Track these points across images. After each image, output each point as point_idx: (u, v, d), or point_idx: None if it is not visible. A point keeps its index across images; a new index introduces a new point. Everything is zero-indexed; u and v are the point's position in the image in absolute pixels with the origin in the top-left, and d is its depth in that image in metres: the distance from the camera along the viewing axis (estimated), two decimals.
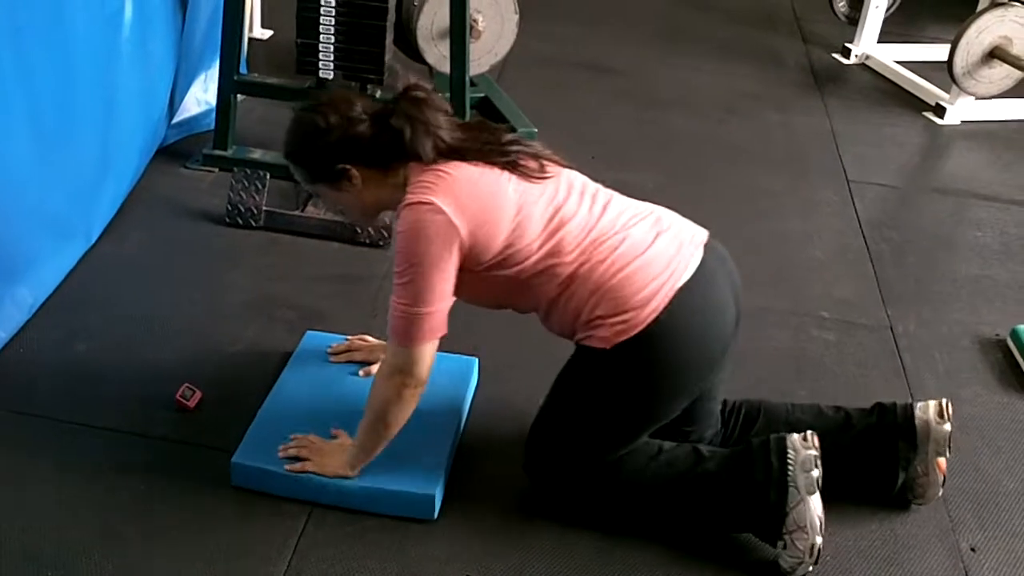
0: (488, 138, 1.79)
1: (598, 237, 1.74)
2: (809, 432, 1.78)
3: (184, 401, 2.06)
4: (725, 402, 2.00)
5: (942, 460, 1.92)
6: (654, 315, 1.70)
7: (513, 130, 3.22)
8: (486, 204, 1.71)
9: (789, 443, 1.77)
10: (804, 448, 1.76)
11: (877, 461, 1.92)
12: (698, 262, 1.76)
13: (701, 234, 1.83)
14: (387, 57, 2.94)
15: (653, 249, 1.74)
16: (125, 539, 1.77)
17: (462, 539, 1.84)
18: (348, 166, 1.77)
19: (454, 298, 1.75)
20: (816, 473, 1.74)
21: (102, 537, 1.78)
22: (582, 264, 1.73)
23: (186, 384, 2.09)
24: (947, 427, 1.88)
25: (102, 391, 2.12)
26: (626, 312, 1.70)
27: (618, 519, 1.87)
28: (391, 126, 1.75)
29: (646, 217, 1.80)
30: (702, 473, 1.81)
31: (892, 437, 1.91)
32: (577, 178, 1.84)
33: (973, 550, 1.89)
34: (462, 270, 1.74)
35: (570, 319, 1.77)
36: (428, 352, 1.74)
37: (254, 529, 1.81)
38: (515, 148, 1.78)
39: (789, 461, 1.75)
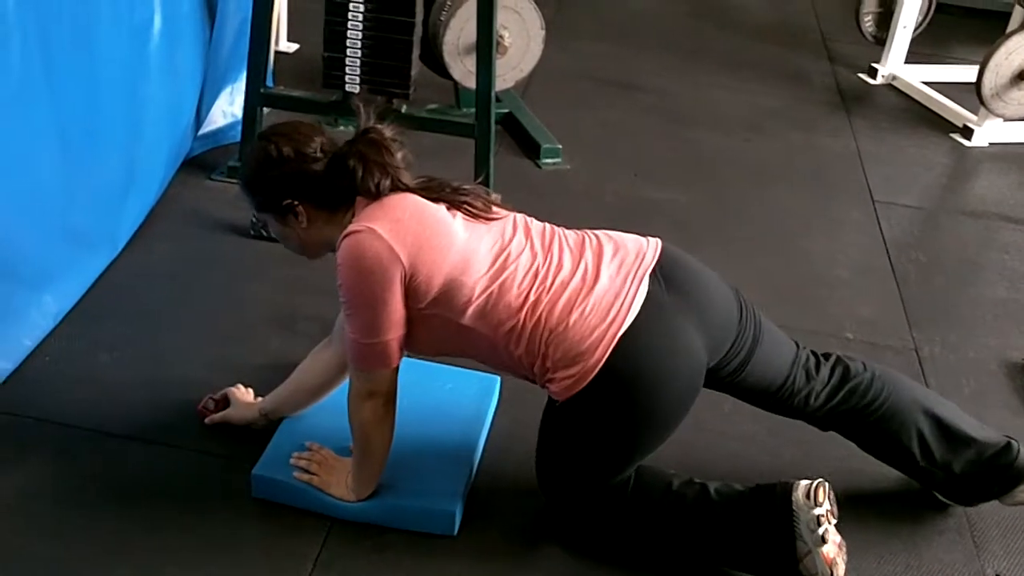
0: (441, 182, 1.77)
1: (544, 276, 1.70)
2: (817, 485, 1.72)
3: (207, 411, 2.06)
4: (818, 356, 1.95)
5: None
6: (600, 364, 1.66)
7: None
8: (429, 232, 1.68)
9: (794, 503, 1.72)
10: (808, 507, 1.71)
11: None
12: (643, 295, 1.70)
13: (648, 255, 1.76)
14: (414, 72, 2.95)
15: (597, 289, 1.69)
16: (145, 549, 1.78)
17: (481, 557, 1.83)
18: (295, 202, 1.75)
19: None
20: (824, 528, 1.70)
21: (122, 546, 1.78)
22: (528, 308, 1.68)
23: (209, 395, 2.09)
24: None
25: (125, 400, 2.12)
26: (574, 364, 1.67)
27: (631, 547, 1.85)
28: (345, 167, 1.71)
29: (587, 248, 1.75)
30: (709, 517, 1.78)
31: (995, 477, 1.91)
32: (523, 220, 1.80)
33: (998, 575, 1.87)
34: (405, 307, 1.69)
35: (526, 368, 1.74)
36: (390, 373, 1.73)
37: (274, 542, 1.81)
38: (466, 189, 1.76)
39: (794, 520, 1.71)
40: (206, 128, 3.20)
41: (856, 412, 1.92)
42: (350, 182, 1.70)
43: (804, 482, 1.73)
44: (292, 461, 1.89)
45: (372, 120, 1.76)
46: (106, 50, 2.42)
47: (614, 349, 1.66)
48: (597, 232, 1.81)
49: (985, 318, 2.75)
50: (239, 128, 3.09)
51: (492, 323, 1.70)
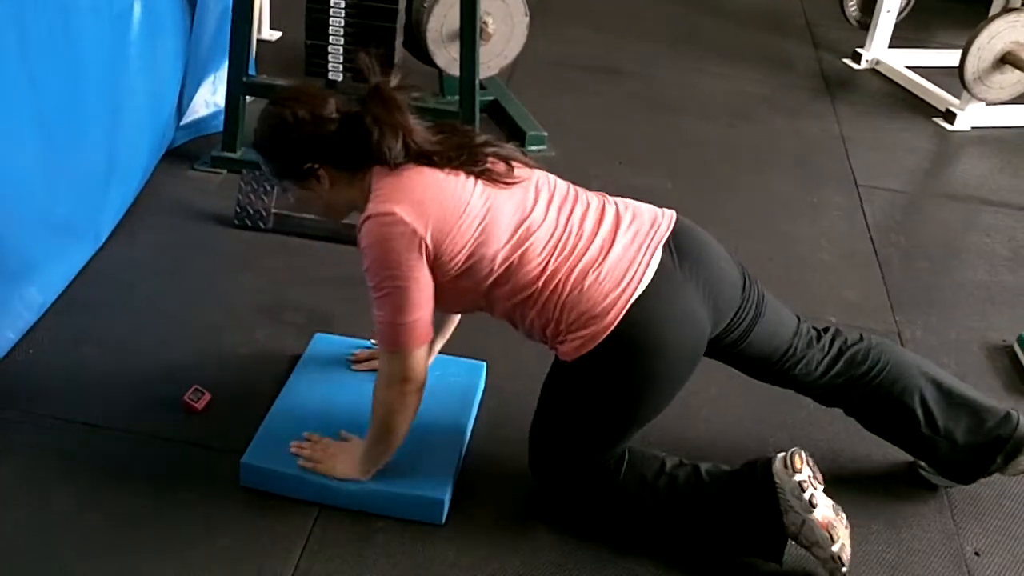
0: (461, 141, 1.76)
1: (563, 246, 1.72)
2: (792, 453, 1.74)
3: (192, 403, 2.06)
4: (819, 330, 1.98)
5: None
6: (611, 327, 1.68)
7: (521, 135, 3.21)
8: (449, 210, 1.68)
9: (775, 474, 1.74)
10: (788, 476, 1.73)
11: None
12: (656, 265, 1.73)
13: (663, 226, 1.78)
14: (397, 59, 2.95)
15: (611, 256, 1.72)
16: (134, 540, 1.78)
17: (469, 543, 1.84)
18: (316, 165, 1.74)
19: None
20: (810, 492, 1.72)
21: (110, 538, 1.78)
22: (546, 278, 1.70)
23: (195, 386, 2.10)
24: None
25: (111, 392, 2.12)
26: (586, 327, 1.69)
27: (622, 530, 1.86)
28: (361, 127, 1.70)
29: (606, 216, 1.77)
30: (700, 498, 1.79)
31: (996, 452, 1.93)
32: (545, 182, 1.80)
33: (977, 554, 1.89)
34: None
35: (538, 331, 1.77)
36: (421, 355, 1.74)
37: (263, 530, 1.82)
38: (487, 151, 1.75)
39: (778, 491, 1.73)
40: (188, 118, 3.19)
41: (857, 380, 1.93)
42: (366, 142, 1.70)
43: (781, 454, 1.76)
44: (292, 450, 1.89)
45: (379, 75, 1.73)
46: (86, 40, 2.40)
47: (626, 314, 1.68)
48: (616, 199, 1.83)
49: (967, 300, 2.77)
50: (222, 118, 3.09)
51: (511, 291, 1.73)
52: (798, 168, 3.48)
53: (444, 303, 1.79)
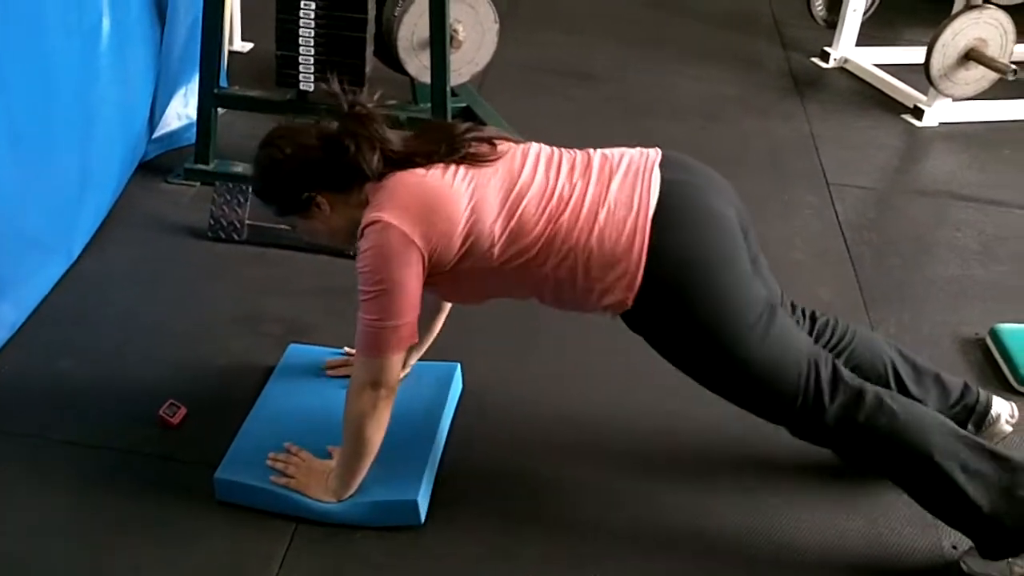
0: (440, 136, 1.80)
1: (559, 202, 1.73)
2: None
3: (168, 418, 2.06)
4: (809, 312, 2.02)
5: None
6: (643, 251, 1.69)
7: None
8: (435, 206, 1.72)
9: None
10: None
11: None
12: (659, 184, 1.75)
13: (651, 154, 1.82)
14: (368, 68, 2.95)
15: (611, 195, 1.74)
16: (110, 558, 1.77)
17: (451, 546, 1.85)
18: (313, 193, 1.80)
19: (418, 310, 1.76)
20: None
21: (87, 555, 1.77)
22: (553, 228, 1.72)
23: (170, 400, 2.09)
24: (1008, 429, 1.96)
25: (86, 408, 2.11)
26: (619, 263, 1.70)
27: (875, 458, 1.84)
28: (341, 145, 1.76)
29: (593, 162, 1.80)
30: (961, 472, 1.75)
31: (964, 420, 1.96)
32: (529, 149, 1.83)
33: (955, 547, 1.91)
34: (435, 273, 1.75)
35: (570, 293, 1.77)
36: (398, 361, 1.75)
37: (240, 544, 1.81)
38: (467, 137, 1.79)
39: None
40: (161, 131, 3.18)
41: (835, 348, 1.97)
42: (349, 160, 1.75)
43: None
44: (268, 463, 1.90)
45: (351, 96, 1.79)
46: (56, 55, 2.40)
47: (651, 232, 1.70)
48: (597, 150, 1.85)
49: (938, 295, 2.80)
50: (194, 130, 3.08)
51: (525, 255, 1.73)
52: (769, 168, 3.50)
53: (457, 293, 1.84)
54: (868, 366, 1.96)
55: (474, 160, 1.77)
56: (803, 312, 2.03)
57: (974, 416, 1.98)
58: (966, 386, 2.01)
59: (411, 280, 1.71)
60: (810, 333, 1.97)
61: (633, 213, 1.72)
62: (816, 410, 1.78)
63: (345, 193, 1.80)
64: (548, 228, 1.72)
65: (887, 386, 1.94)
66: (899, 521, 1.97)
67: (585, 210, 1.73)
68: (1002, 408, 1.99)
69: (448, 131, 1.81)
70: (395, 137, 1.79)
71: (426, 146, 1.78)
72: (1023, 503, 1.73)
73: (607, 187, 1.75)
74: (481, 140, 1.80)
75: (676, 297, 1.73)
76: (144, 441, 2.03)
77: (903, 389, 1.95)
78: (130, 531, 1.83)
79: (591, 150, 1.85)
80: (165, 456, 2.00)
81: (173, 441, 2.04)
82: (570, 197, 1.74)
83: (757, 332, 1.75)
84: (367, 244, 1.71)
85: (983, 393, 2.01)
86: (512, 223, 1.73)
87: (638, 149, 1.84)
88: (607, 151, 1.84)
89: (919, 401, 1.93)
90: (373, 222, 1.70)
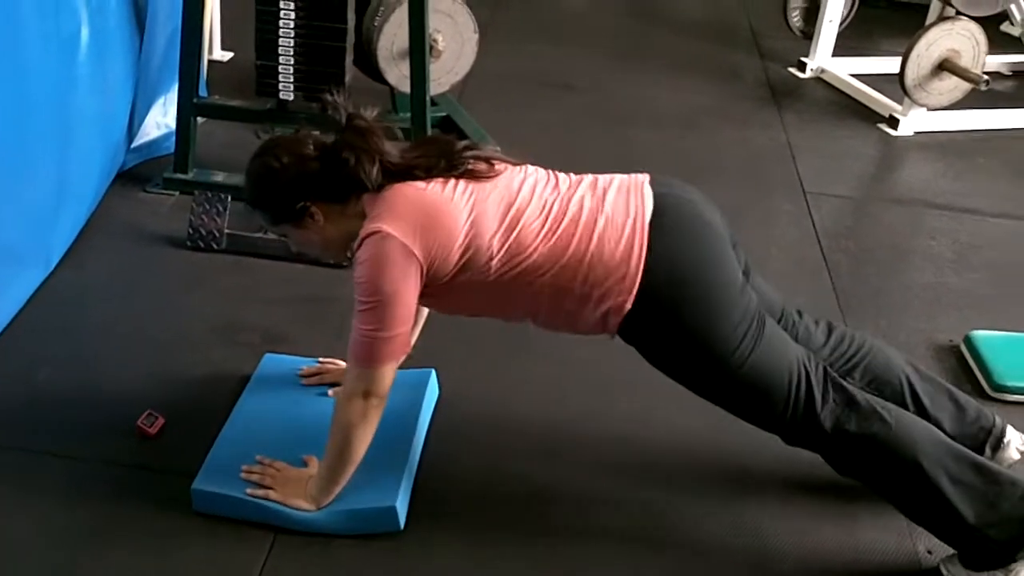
0: (440, 150, 1.81)
1: (556, 217, 1.76)
2: None
3: (146, 428, 2.05)
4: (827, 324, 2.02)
5: None
6: (642, 254, 1.72)
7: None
8: (434, 218, 1.73)
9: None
10: None
11: None
12: (652, 195, 1.79)
13: (640, 176, 1.86)
14: (348, 78, 2.96)
15: (607, 206, 1.77)
16: (88, 568, 1.77)
17: (431, 552, 1.85)
18: (308, 203, 1.80)
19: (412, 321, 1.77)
20: None
21: (65, 566, 1.76)
22: (551, 246, 1.74)
23: (148, 411, 2.08)
24: (1016, 456, 1.96)
25: (64, 419, 2.10)
26: (617, 270, 1.72)
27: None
28: (339, 157, 1.78)
29: (585, 182, 1.84)
30: (948, 483, 1.76)
31: (983, 443, 1.97)
32: (526, 169, 1.86)
33: (930, 552, 1.93)
34: (431, 285, 1.76)
35: (566, 305, 1.78)
36: (390, 371, 1.76)
37: (218, 555, 1.81)
38: (467, 155, 1.81)
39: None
40: (140, 140, 3.18)
41: (850, 358, 1.97)
42: (348, 172, 1.77)
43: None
44: (243, 476, 1.89)
45: (350, 108, 1.81)
46: (33, 64, 2.39)
47: (648, 238, 1.72)
48: (589, 174, 1.89)
49: (914, 303, 2.83)
50: (173, 139, 3.07)
51: (521, 266, 1.75)
52: (747, 177, 3.53)
53: (456, 303, 1.85)
54: (883, 380, 1.96)
55: (473, 176, 1.79)
56: (817, 321, 2.03)
57: (991, 439, 1.98)
58: (981, 409, 2.01)
59: (408, 291, 1.72)
60: (825, 343, 1.98)
61: (631, 219, 1.75)
62: (807, 417, 1.79)
63: (340, 204, 1.81)
64: (548, 239, 1.74)
65: (902, 400, 1.94)
66: (876, 528, 1.98)
67: (584, 218, 1.75)
68: (1014, 435, 2.00)
69: (447, 146, 1.83)
70: (393, 150, 1.81)
71: (425, 160, 1.79)
72: (1009, 516, 1.75)
73: (603, 199, 1.78)
74: (479, 158, 1.82)
75: (671, 302, 1.75)
76: (122, 452, 2.02)
77: (919, 405, 1.96)
78: (108, 542, 1.82)
79: (581, 175, 1.88)
80: (143, 466, 1.99)
81: (151, 451, 2.03)
82: (567, 208, 1.77)
83: (749, 338, 1.77)
84: (365, 254, 1.72)
85: (998, 418, 2.01)
86: (511, 239, 1.74)
87: (627, 174, 1.88)
88: (598, 175, 1.88)
89: (934, 418, 1.95)
90: (372, 232, 1.71)
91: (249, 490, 1.87)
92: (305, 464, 1.93)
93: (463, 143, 1.86)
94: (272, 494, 1.86)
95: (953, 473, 1.76)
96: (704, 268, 1.76)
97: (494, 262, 1.75)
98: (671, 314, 1.76)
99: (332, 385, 2.15)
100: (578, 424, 2.22)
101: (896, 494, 1.83)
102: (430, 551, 1.85)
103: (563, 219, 1.75)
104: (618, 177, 1.85)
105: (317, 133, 1.89)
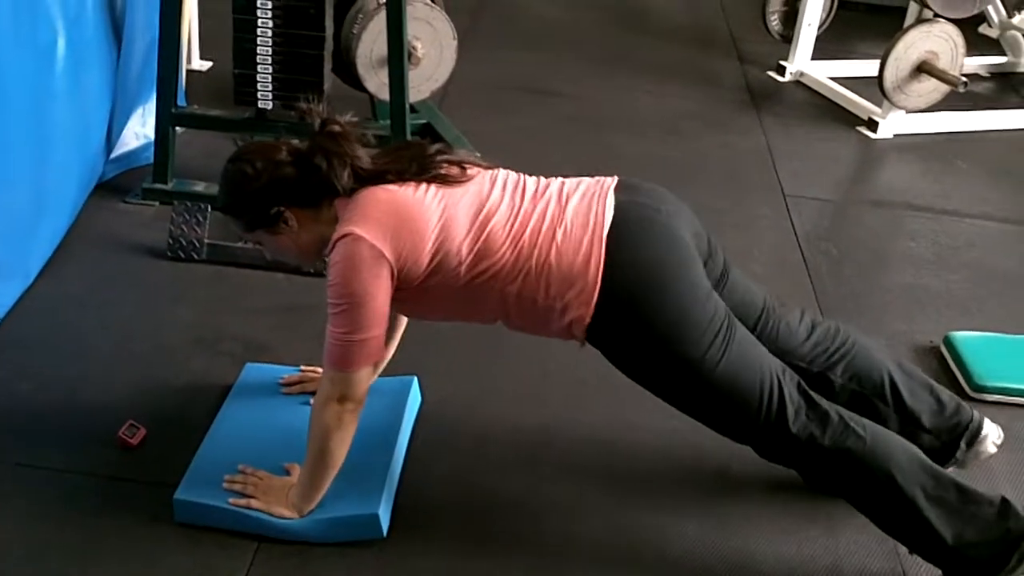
0: (411, 155, 1.82)
1: (522, 223, 1.76)
2: None
3: (127, 439, 2.04)
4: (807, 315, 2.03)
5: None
6: (599, 267, 1.72)
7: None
8: (405, 220, 1.74)
9: None
10: None
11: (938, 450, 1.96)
12: (613, 204, 1.79)
13: (607, 180, 1.85)
14: (326, 86, 2.96)
15: (568, 215, 1.77)
16: None
17: (414, 560, 1.85)
18: (282, 209, 1.81)
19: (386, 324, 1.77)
20: None
21: None
22: (518, 250, 1.75)
23: (130, 421, 2.08)
24: (993, 450, 1.99)
25: (45, 430, 2.09)
26: (575, 283, 1.73)
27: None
28: (312, 162, 1.79)
29: (552, 186, 1.84)
30: (925, 500, 1.76)
31: (959, 437, 1.98)
32: (499, 173, 1.87)
33: (911, 552, 1.93)
34: (403, 288, 1.76)
35: (533, 313, 1.78)
36: (366, 375, 1.77)
37: (201, 564, 1.80)
38: (438, 159, 1.81)
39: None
40: (118, 151, 3.17)
41: (833, 355, 1.97)
42: (321, 177, 1.78)
43: None
44: (225, 485, 1.89)
45: (324, 114, 1.82)
46: (10, 75, 2.38)
47: (606, 249, 1.73)
48: (558, 177, 1.89)
49: (894, 304, 2.85)
50: (152, 149, 3.06)
51: (490, 276, 1.75)
52: (727, 181, 3.54)
53: (422, 310, 1.86)
54: (865, 375, 1.98)
55: (444, 180, 1.80)
56: (802, 314, 2.03)
57: (967, 434, 1.99)
58: (960, 403, 2.03)
59: (380, 293, 1.73)
60: (807, 338, 1.98)
61: (589, 232, 1.75)
62: (779, 429, 1.79)
63: (314, 209, 1.82)
64: (512, 248, 1.75)
65: (883, 395, 1.96)
66: (857, 530, 1.98)
67: (544, 229, 1.76)
68: (991, 429, 2.01)
69: (419, 151, 1.84)
70: (365, 154, 1.82)
71: (397, 164, 1.80)
72: (987, 537, 1.75)
73: (564, 209, 1.78)
74: (451, 162, 1.82)
75: (632, 313, 1.75)
76: (104, 463, 2.01)
77: (898, 400, 1.97)
78: (90, 554, 1.81)
79: (549, 178, 1.89)
80: (125, 478, 1.98)
81: (133, 462, 2.02)
82: (531, 218, 1.77)
83: (716, 347, 1.76)
84: (337, 256, 1.72)
85: (976, 413, 2.03)
86: (480, 243, 1.75)
87: (596, 178, 1.88)
88: (567, 179, 1.88)
89: (914, 412, 1.96)
90: (344, 235, 1.72)
91: (232, 499, 1.86)
92: (287, 472, 1.93)
93: (435, 147, 1.86)
94: (254, 503, 1.85)
95: (929, 490, 1.76)
96: (665, 276, 1.76)
97: (463, 267, 1.75)
98: (634, 324, 1.76)
99: (314, 393, 2.14)
100: (560, 428, 2.22)
101: (873, 510, 1.83)
102: (413, 558, 1.85)
103: (526, 228, 1.76)
104: (585, 182, 1.86)
105: (296, 141, 1.89)
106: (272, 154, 1.83)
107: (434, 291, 1.79)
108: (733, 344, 1.77)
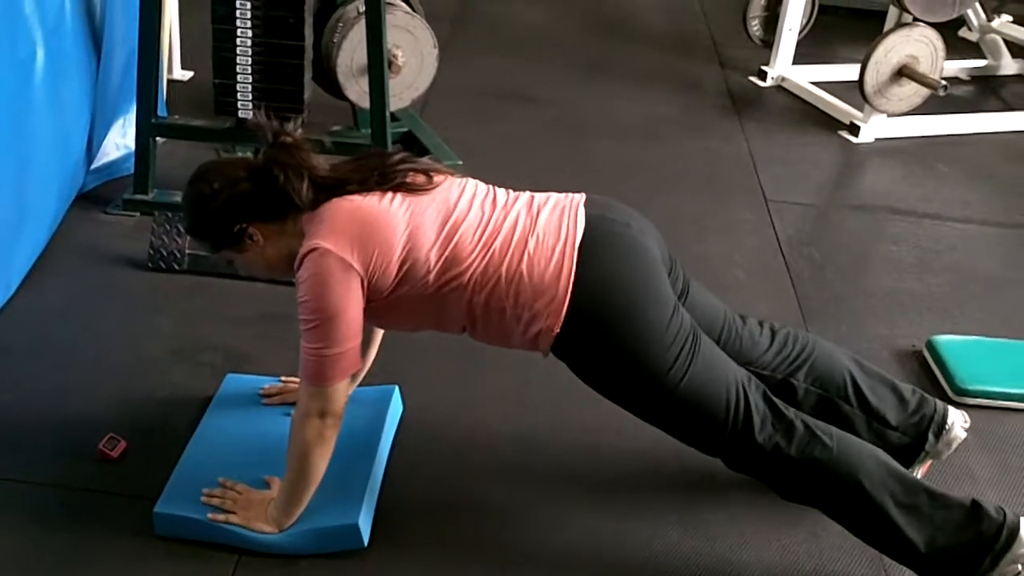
0: (374, 164, 1.82)
1: (493, 232, 1.76)
2: None
3: (107, 452, 2.03)
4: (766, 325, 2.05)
5: (927, 464, 2.01)
6: (570, 278, 1.73)
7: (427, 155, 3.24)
8: (372, 230, 1.73)
9: (1016, 546, 1.72)
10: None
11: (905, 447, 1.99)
12: (584, 217, 1.80)
13: (576, 196, 1.86)
14: (307, 95, 2.95)
15: (540, 225, 1.78)
16: None
17: (396, 570, 1.84)
18: (245, 225, 1.80)
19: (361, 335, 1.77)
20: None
21: None
22: (487, 259, 1.74)
23: (110, 434, 2.06)
24: (963, 435, 2.01)
25: (25, 443, 2.08)
26: (545, 293, 1.73)
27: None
28: (270, 175, 1.78)
29: (522, 198, 1.85)
30: (894, 507, 1.76)
31: (926, 430, 2.00)
32: (465, 183, 1.87)
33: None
34: (373, 299, 1.75)
35: (499, 323, 1.78)
36: (343, 389, 1.76)
37: None
38: (402, 167, 1.81)
39: (1006, 549, 1.73)
40: (99, 161, 3.15)
41: (795, 361, 1.99)
42: (278, 189, 1.77)
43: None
44: (204, 500, 1.87)
45: (276, 126, 1.81)
46: None
47: (576, 261, 1.73)
48: (527, 191, 1.90)
49: (876, 308, 2.85)
50: (133, 160, 3.05)
51: (458, 285, 1.75)
52: (709, 186, 3.55)
53: (391, 321, 1.85)
54: (827, 377, 1.99)
55: (409, 188, 1.79)
56: (761, 324, 2.05)
57: (933, 425, 2.01)
58: (923, 396, 2.04)
59: (351, 306, 1.72)
60: (769, 347, 1.99)
61: (561, 242, 1.75)
62: (745, 440, 1.79)
63: (278, 223, 1.81)
64: (481, 256, 1.75)
65: (846, 396, 1.97)
66: (840, 534, 1.98)
67: (516, 238, 1.76)
68: (955, 416, 2.03)
69: (381, 160, 1.83)
70: (323, 163, 1.81)
71: (358, 173, 1.79)
72: (958, 540, 1.75)
73: (536, 219, 1.79)
74: (416, 170, 1.82)
75: (599, 325, 1.75)
76: (84, 476, 2.00)
77: (862, 399, 1.98)
78: (70, 567, 1.80)
79: (519, 192, 1.89)
80: (105, 491, 1.97)
81: (113, 475, 2.01)
82: (501, 227, 1.77)
83: (682, 360, 1.76)
84: (306, 272, 1.71)
85: (939, 403, 2.05)
86: (448, 251, 1.74)
87: (565, 193, 1.89)
88: (536, 193, 1.89)
89: (878, 411, 1.98)
90: (311, 250, 1.71)
91: (211, 515, 1.85)
92: (267, 485, 1.92)
93: (399, 155, 1.86)
94: (233, 518, 1.84)
95: (899, 496, 1.76)
96: (633, 291, 1.76)
97: (431, 275, 1.75)
98: (600, 337, 1.76)
99: (295, 404, 2.13)
100: (542, 435, 2.22)
101: (844, 518, 1.83)
102: (395, 568, 1.85)
103: (497, 237, 1.76)
104: (554, 196, 1.86)
105: (249, 154, 1.88)
106: (229, 171, 1.83)
107: (403, 301, 1.78)
108: (698, 357, 1.78)
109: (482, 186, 1.87)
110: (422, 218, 1.76)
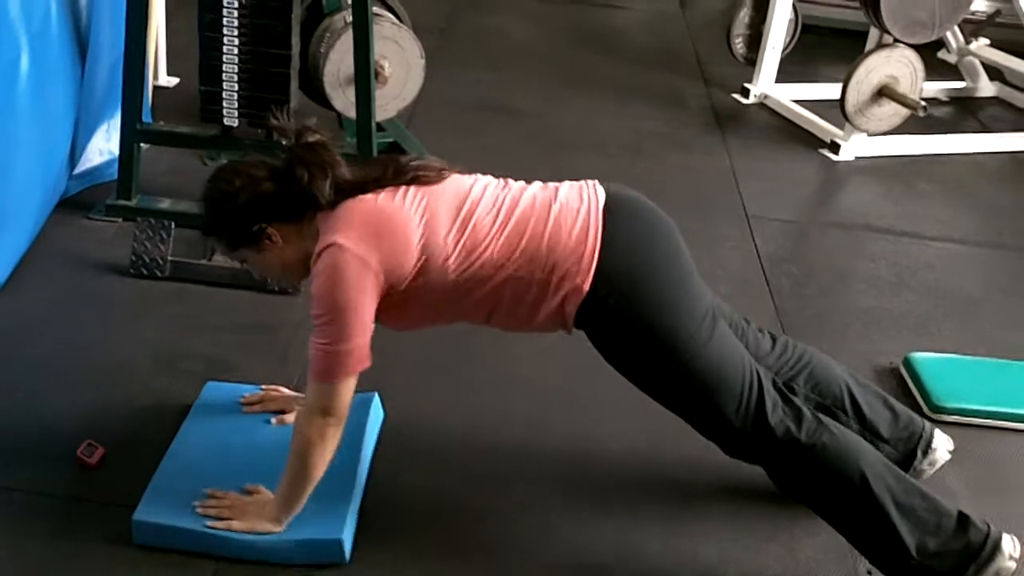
0: (388, 163, 1.83)
1: (509, 210, 1.78)
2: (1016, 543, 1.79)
3: (85, 459, 2.02)
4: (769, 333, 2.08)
5: None
6: (598, 235, 1.75)
7: None
8: (387, 226, 1.74)
9: (999, 558, 1.76)
10: (1011, 560, 1.77)
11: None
12: (604, 189, 1.84)
13: (592, 180, 1.89)
14: (293, 103, 2.96)
15: (560, 195, 1.81)
16: None
17: None
18: (264, 225, 1.80)
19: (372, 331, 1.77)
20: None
21: None
22: (509, 235, 1.76)
23: (88, 441, 2.05)
24: (947, 456, 2.08)
25: (1, 449, 2.06)
26: (575, 252, 1.74)
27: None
28: (293, 175, 1.78)
29: (537, 183, 1.88)
30: (892, 505, 1.78)
31: (915, 447, 2.05)
32: (478, 175, 1.89)
33: (869, 573, 1.95)
34: (390, 294, 1.76)
35: (525, 296, 1.78)
36: (350, 386, 1.76)
37: None
38: (414, 164, 1.82)
39: (990, 560, 1.76)
40: (82, 167, 3.14)
41: (795, 367, 2.02)
42: (301, 189, 1.77)
43: (1011, 536, 1.80)
44: (199, 511, 1.86)
45: (299, 125, 1.82)
46: None
47: (603, 222, 1.76)
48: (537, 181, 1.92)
49: (855, 325, 2.88)
50: (116, 166, 3.04)
51: (478, 262, 1.76)
52: (691, 202, 3.57)
53: (415, 313, 1.84)
54: (825, 386, 2.02)
55: (422, 181, 1.81)
56: (760, 330, 2.07)
57: (922, 442, 2.06)
58: (911, 414, 2.10)
59: (365, 303, 1.72)
60: (771, 350, 2.02)
61: (585, 205, 1.79)
62: (758, 421, 1.80)
63: (297, 224, 1.81)
64: (502, 231, 1.76)
65: (843, 406, 2.01)
66: (816, 548, 2.00)
67: (538, 206, 1.79)
68: (941, 439, 2.09)
69: (395, 162, 1.84)
70: (343, 164, 1.81)
71: (373, 172, 1.80)
72: (949, 547, 1.77)
73: (555, 192, 1.83)
74: (428, 168, 1.84)
75: (628, 283, 1.76)
76: (61, 483, 1.99)
77: (858, 410, 2.02)
78: (47, 575, 1.78)
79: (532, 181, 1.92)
80: (82, 498, 1.96)
81: (91, 483, 2.00)
82: (519, 201, 1.80)
83: (705, 329, 1.79)
84: (321, 267, 1.72)
85: (926, 423, 2.11)
86: (466, 235, 1.76)
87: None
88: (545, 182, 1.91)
89: (872, 423, 2.01)
90: (327, 246, 1.72)
91: (209, 523, 1.84)
92: (249, 493, 1.91)
93: (410, 156, 1.89)
94: (235, 524, 1.83)
95: (897, 495, 1.78)
96: (658, 253, 1.80)
97: (451, 261, 1.75)
98: (627, 297, 1.76)
99: (276, 413, 2.14)
100: (523, 442, 2.23)
101: (841, 515, 1.84)
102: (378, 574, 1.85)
103: (515, 210, 1.78)
104: (567, 182, 1.89)
105: (258, 156, 1.89)
106: (250, 170, 1.83)
107: (422, 293, 1.78)
108: (718, 329, 1.81)
109: (492, 177, 1.89)
110: (436, 206, 1.77)
